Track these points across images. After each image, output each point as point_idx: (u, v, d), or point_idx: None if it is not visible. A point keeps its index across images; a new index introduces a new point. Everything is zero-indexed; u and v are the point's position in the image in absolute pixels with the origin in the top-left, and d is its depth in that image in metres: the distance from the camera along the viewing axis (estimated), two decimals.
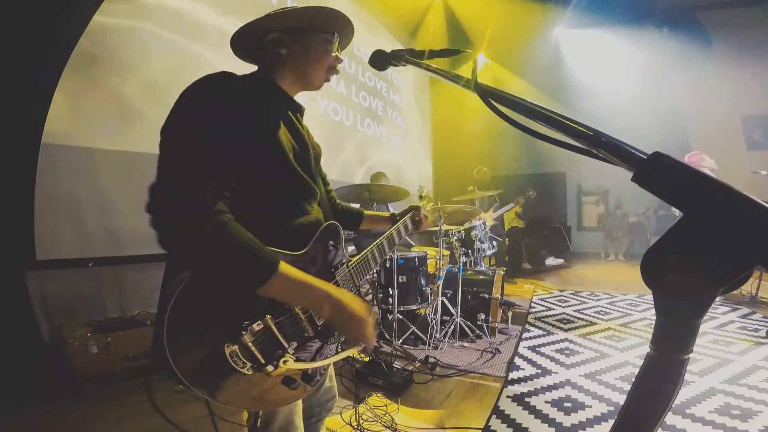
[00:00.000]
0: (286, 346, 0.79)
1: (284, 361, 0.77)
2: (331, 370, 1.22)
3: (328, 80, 0.99)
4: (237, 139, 0.75)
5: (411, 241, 3.95)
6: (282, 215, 0.88)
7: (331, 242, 0.97)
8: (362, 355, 2.66)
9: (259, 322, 0.76)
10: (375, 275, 3.17)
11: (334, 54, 0.96)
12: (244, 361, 0.73)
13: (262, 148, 0.81)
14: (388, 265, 3.00)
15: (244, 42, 0.94)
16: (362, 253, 1.06)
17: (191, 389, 0.68)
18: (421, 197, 1.54)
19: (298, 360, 0.81)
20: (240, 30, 0.91)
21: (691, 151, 4.20)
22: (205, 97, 0.76)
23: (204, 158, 0.70)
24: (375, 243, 1.10)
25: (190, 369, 0.68)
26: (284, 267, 0.72)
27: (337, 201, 1.29)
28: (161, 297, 0.73)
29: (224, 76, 0.80)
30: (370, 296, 3.28)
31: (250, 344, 0.73)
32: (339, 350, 0.93)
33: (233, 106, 0.77)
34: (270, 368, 0.75)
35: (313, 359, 0.87)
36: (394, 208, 3.39)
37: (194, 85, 0.77)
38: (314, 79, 0.96)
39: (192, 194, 0.68)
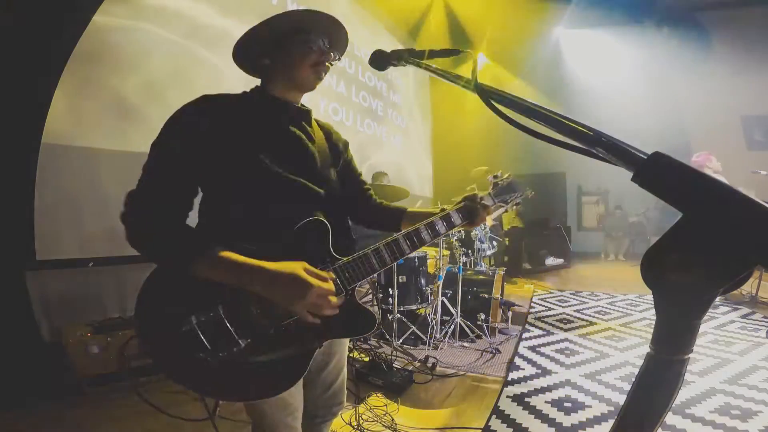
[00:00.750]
0: (234, 333, 0.83)
1: (234, 348, 0.82)
2: (344, 377, 1.21)
3: (320, 78, 0.99)
4: (193, 153, 0.86)
5: None
6: (259, 215, 0.91)
7: (312, 239, 0.92)
8: (362, 356, 2.66)
9: (214, 308, 0.83)
10: (374, 276, 3.17)
11: (315, 50, 0.96)
12: (198, 346, 0.80)
13: (226, 156, 0.88)
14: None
15: (241, 63, 1.02)
16: (357, 253, 0.97)
17: (155, 367, 0.75)
18: (494, 184, 1.25)
19: (256, 353, 0.84)
20: (233, 53, 0.99)
21: (691, 151, 4.20)
22: (170, 121, 0.88)
23: (162, 171, 0.85)
24: (383, 241, 0.99)
25: (155, 346, 0.82)
26: (215, 250, 0.80)
27: (376, 199, 1.27)
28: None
29: (198, 100, 0.90)
30: (370, 296, 3.28)
31: (197, 330, 0.81)
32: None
33: (189, 125, 0.87)
34: (221, 354, 0.81)
35: (263, 353, 0.86)
36: None
37: (174, 112, 0.89)
38: (302, 79, 0.97)
39: (147, 196, 0.84)
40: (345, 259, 0.94)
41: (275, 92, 0.99)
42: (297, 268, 0.80)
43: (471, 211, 1.13)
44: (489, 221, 4.96)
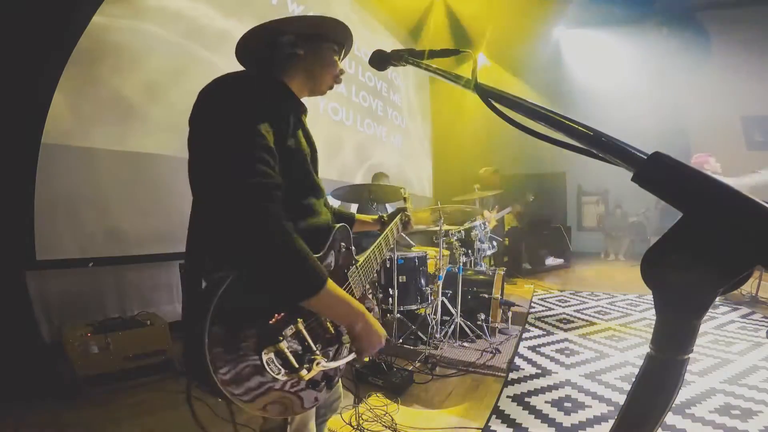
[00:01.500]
0: (315, 349, 0.80)
1: (317, 363, 0.77)
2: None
3: (331, 88, 1.04)
4: (274, 138, 0.77)
5: (411, 242, 3.95)
6: (300, 216, 0.90)
7: (343, 244, 1.00)
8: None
9: (291, 326, 0.76)
10: (375, 275, 3.17)
11: (339, 64, 1.01)
12: (279, 367, 0.73)
13: (287, 148, 0.82)
14: (388, 265, 3.00)
15: (255, 41, 0.94)
16: (366, 253, 1.08)
17: (230, 401, 0.66)
18: (404, 199, 1.57)
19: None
20: (254, 29, 0.92)
21: (691, 151, 4.20)
22: (244, 98, 0.77)
23: (261, 160, 0.71)
24: (374, 244, 1.14)
25: (229, 378, 0.66)
26: (329, 283, 0.74)
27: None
28: (188, 298, 0.74)
29: (248, 77, 0.84)
30: (370, 296, 3.28)
31: (285, 350, 0.73)
32: (350, 350, 0.93)
33: (267, 106, 0.79)
34: (304, 372, 0.75)
35: (333, 360, 0.87)
36: (394, 208, 3.40)
37: (225, 85, 0.79)
38: (322, 83, 1.00)
39: (260, 198, 0.68)
40: (361, 260, 1.03)
41: (291, 85, 0.96)
42: (381, 328, 0.86)
43: (405, 221, 1.40)
44: (492, 221, 4.94)
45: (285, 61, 0.94)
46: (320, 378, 0.84)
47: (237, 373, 0.67)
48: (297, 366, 0.74)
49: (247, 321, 0.71)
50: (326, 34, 0.97)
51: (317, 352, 0.80)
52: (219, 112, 0.75)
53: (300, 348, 0.78)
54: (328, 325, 0.88)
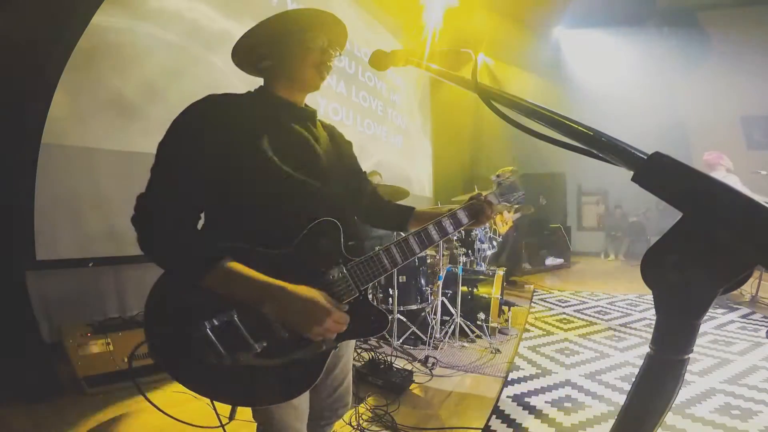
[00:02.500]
0: (250, 339, 0.81)
1: (242, 355, 0.81)
2: (349, 380, 1.20)
3: (323, 77, 0.99)
4: (202, 154, 0.85)
5: None
6: (269, 216, 0.90)
7: (324, 240, 0.93)
8: (362, 355, 2.66)
9: (228, 313, 0.82)
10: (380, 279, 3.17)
11: (317, 50, 0.96)
12: (209, 350, 0.79)
13: (236, 158, 0.87)
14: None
15: (241, 63, 1.01)
16: (368, 254, 0.98)
17: (166, 373, 0.78)
18: (500, 183, 1.26)
19: (261, 357, 0.83)
20: (233, 55, 0.99)
21: (691, 151, 4.20)
22: (177, 122, 0.87)
23: (170, 173, 0.84)
24: (393, 241, 0.99)
25: (166, 351, 0.81)
26: (227, 263, 0.79)
27: (383, 198, 1.26)
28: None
29: (204, 101, 0.88)
30: (370, 296, 3.28)
31: (209, 334, 0.79)
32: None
33: (197, 126, 0.86)
34: (227, 360, 0.80)
35: (263, 357, 0.84)
36: None
37: (183, 111, 0.88)
38: (305, 79, 0.98)
39: (156, 200, 0.83)
40: (357, 259, 0.94)
41: (280, 92, 0.98)
42: (316, 293, 0.82)
43: (477, 209, 1.12)
44: (510, 222, 4.92)
45: (264, 72, 0.99)
46: (300, 370, 0.85)
47: (174, 348, 0.82)
48: (223, 352, 0.80)
49: (180, 305, 0.83)
50: (291, 30, 0.95)
51: (253, 343, 0.81)
52: (165, 136, 0.86)
53: (231, 337, 0.81)
54: (276, 325, 0.84)
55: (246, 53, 0.98)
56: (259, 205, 0.90)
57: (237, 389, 0.84)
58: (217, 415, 0.88)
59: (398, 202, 1.31)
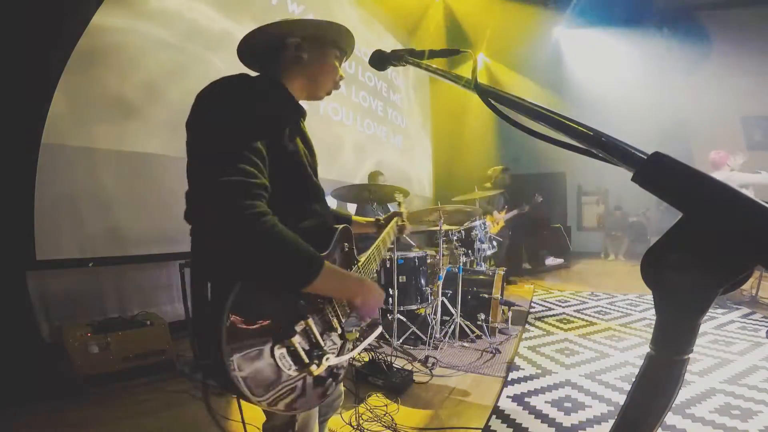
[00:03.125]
0: (323, 344, 0.83)
1: (326, 359, 0.81)
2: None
3: (329, 93, 1.06)
4: (267, 141, 0.77)
5: (412, 242, 3.95)
6: (300, 218, 0.91)
7: (346, 244, 1.04)
8: (362, 355, 2.66)
9: (302, 323, 0.79)
10: (375, 275, 3.18)
11: (340, 70, 1.03)
12: (291, 362, 0.76)
13: (283, 151, 0.84)
14: (387, 265, 3.00)
15: (260, 41, 0.94)
16: (366, 253, 1.10)
17: (245, 397, 0.69)
18: (399, 204, 1.66)
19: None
20: (260, 28, 0.91)
21: (691, 151, 4.20)
22: (238, 99, 0.78)
23: (247, 160, 0.71)
24: (373, 246, 1.17)
25: (243, 374, 0.68)
26: (327, 264, 0.77)
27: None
28: (197, 301, 0.75)
29: (246, 79, 0.83)
30: None
31: (297, 345, 0.76)
32: (355, 346, 0.98)
33: (263, 108, 0.80)
34: (314, 367, 0.78)
35: (339, 356, 0.89)
36: (394, 207, 3.41)
37: (220, 87, 0.79)
38: (323, 88, 1.02)
39: (239, 196, 0.68)
40: (362, 260, 1.05)
41: (291, 88, 0.97)
42: (382, 291, 0.93)
43: (401, 227, 1.45)
44: (501, 222, 4.92)
45: (288, 63, 0.95)
46: (327, 374, 0.87)
47: (251, 369, 0.70)
48: (307, 361, 0.78)
49: (258, 319, 0.73)
50: (332, 39, 0.98)
51: (325, 348, 0.83)
52: (211, 114, 0.76)
53: (309, 344, 0.81)
54: (335, 322, 0.90)
55: (280, 33, 0.92)
56: (299, 198, 0.90)
57: (295, 397, 0.79)
58: (215, 419, 0.89)
59: (395, 203, 1.48)
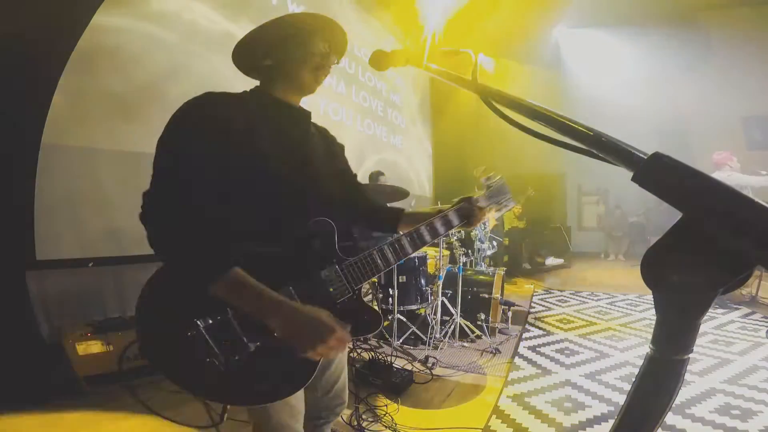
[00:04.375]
0: (246, 341, 0.83)
1: (246, 351, 0.82)
2: (345, 378, 1.21)
3: (319, 82, 1.00)
4: (205, 151, 0.84)
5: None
6: (266, 215, 0.91)
7: (319, 240, 0.94)
8: (362, 355, 2.66)
9: (220, 316, 0.82)
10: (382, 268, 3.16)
11: (318, 54, 0.97)
12: (202, 349, 0.80)
13: (235, 157, 0.87)
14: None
15: (241, 62, 1.01)
16: (362, 254, 1.02)
17: (158, 372, 0.79)
18: (486, 186, 1.26)
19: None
20: (234, 52, 0.99)
21: (691, 151, 4.20)
22: (179, 118, 0.86)
23: (178, 169, 0.82)
24: (386, 242, 1.01)
25: (158, 350, 0.80)
26: (237, 273, 0.78)
27: (374, 200, 1.25)
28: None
29: (203, 97, 0.88)
30: (369, 296, 3.28)
31: (204, 333, 0.80)
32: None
33: (200, 122, 0.86)
34: (221, 359, 0.80)
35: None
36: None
37: (180, 108, 0.87)
38: (302, 82, 0.98)
39: (168, 196, 0.80)
40: (351, 259, 0.95)
41: (276, 93, 0.98)
42: (320, 311, 0.80)
43: (468, 212, 1.15)
44: (492, 221, 4.90)
45: (264, 73, 0.99)
46: (294, 369, 0.85)
47: (161, 348, 0.81)
48: (216, 351, 0.81)
49: (175, 303, 0.82)
50: (290, 33, 0.96)
51: (247, 343, 0.82)
52: (165, 134, 0.85)
53: (229, 337, 0.82)
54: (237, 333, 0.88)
55: (247, 51, 0.98)
56: (256, 205, 0.90)
57: (230, 389, 0.84)
58: (210, 415, 0.89)
59: (397, 203, 1.33)
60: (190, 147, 0.84)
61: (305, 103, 1.06)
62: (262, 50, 0.96)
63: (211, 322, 0.81)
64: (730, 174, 3.87)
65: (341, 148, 1.20)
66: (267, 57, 0.96)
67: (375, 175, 4.11)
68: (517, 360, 2.66)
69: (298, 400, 0.98)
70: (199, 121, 0.86)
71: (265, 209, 0.92)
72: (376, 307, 3.19)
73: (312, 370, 0.88)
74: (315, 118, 1.10)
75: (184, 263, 0.80)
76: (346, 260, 0.94)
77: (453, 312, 3.04)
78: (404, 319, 3.00)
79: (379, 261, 0.98)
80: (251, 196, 0.90)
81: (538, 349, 2.89)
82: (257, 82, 1.03)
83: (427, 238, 1.04)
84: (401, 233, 1.03)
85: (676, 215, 0.33)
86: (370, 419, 1.92)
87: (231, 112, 0.89)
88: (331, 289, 0.92)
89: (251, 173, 0.89)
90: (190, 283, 0.81)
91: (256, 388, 0.85)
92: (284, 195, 0.94)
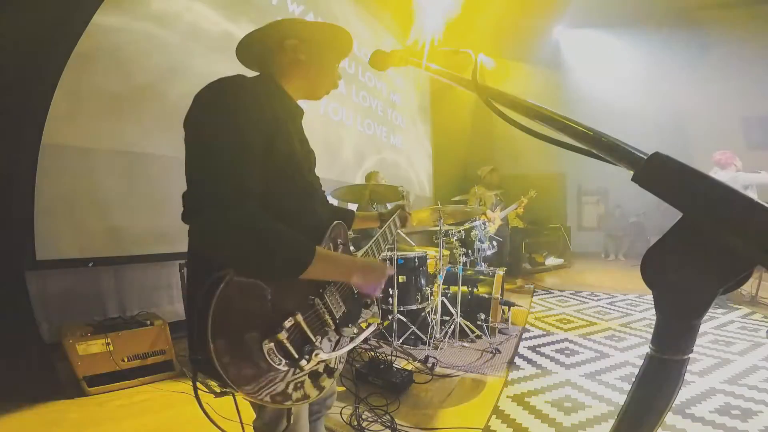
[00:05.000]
0: (314, 340, 0.84)
1: (315, 354, 0.82)
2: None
3: (327, 93, 1.07)
4: (262, 142, 0.79)
5: (411, 241, 3.95)
6: (295, 217, 0.90)
7: (340, 240, 1.04)
8: (362, 355, 2.66)
9: (290, 318, 0.80)
10: None
11: (338, 72, 1.05)
12: (280, 357, 0.77)
13: (279, 152, 0.84)
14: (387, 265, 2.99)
15: (259, 41, 0.95)
16: (363, 250, 1.10)
17: (234, 390, 0.71)
18: (402, 196, 1.69)
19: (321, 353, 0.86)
20: (260, 29, 0.94)
21: (691, 151, 4.20)
22: (234, 100, 0.78)
23: (239, 162, 0.74)
24: (372, 241, 1.17)
25: (232, 368, 0.70)
26: (319, 248, 0.79)
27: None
28: (191, 297, 0.76)
29: (243, 80, 0.83)
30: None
31: (285, 341, 0.77)
32: (351, 340, 1.00)
33: (258, 109, 0.80)
34: (303, 362, 0.80)
35: (333, 351, 0.91)
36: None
37: (217, 87, 0.79)
38: (320, 89, 1.03)
39: (230, 197, 0.71)
40: (359, 255, 1.07)
41: (288, 88, 0.97)
42: (370, 258, 1.00)
43: (403, 217, 1.43)
44: (497, 221, 4.89)
45: (286, 64, 0.96)
46: (322, 370, 0.88)
47: (238, 363, 0.71)
48: (297, 356, 0.79)
49: (247, 315, 0.75)
50: (330, 42, 1.00)
51: (316, 344, 0.84)
52: (207, 115, 0.78)
53: (300, 340, 0.82)
54: (327, 318, 0.91)
55: (277, 33, 0.93)
56: (294, 196, 0.90)
57: (291, 392, 0.81)
58: (240, 418, 0.89)
59: (395, 202, 1.45)
60: (242, 126, 0.76)
61: (305, 103, 1.07)
62: (299, 44, 0.93)
63: (288, 326, 0.79)
64: (737, 174, 3.86)
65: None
66: (302, 52, 0.94)
67: (371, 176, 4.10)
68: (517, 360, 2.66)
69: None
70: (244, 100, 0.79)
71: (301, 202, 0.93)
72: (375, 307, 3.19)
73: (338, 364, 0.97)
74: (315, 118, 1.13)
75: (270, 256, 0.73)
76: (355, 256, 1.08)
77: (453, 312, 3.04)
78: (404, 319, 3.00)
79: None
80: (290, 186, 0.89)
81: (538, 349, 2.89)
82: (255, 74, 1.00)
83: (389, 237, 1.31)
84: (378, 234, 1.23)
85: (676, 215, 0.33)
86: (370, 419, 1.92)
87: (268, 95, 0.88)
88: (347, 287, 1.01)
89: (288, 162, 0.88)
90: (285, 276, 0.77)
91: (307, 388, 0.86)
92: (311, 190, 0.98)
